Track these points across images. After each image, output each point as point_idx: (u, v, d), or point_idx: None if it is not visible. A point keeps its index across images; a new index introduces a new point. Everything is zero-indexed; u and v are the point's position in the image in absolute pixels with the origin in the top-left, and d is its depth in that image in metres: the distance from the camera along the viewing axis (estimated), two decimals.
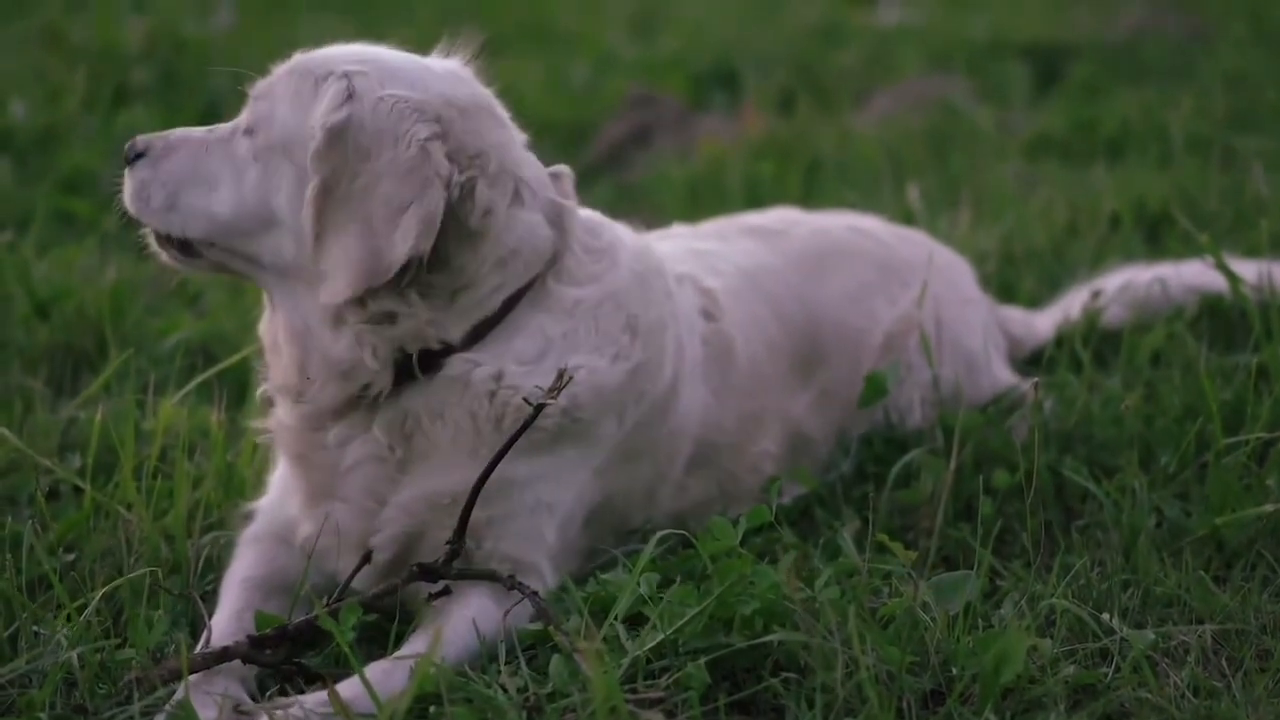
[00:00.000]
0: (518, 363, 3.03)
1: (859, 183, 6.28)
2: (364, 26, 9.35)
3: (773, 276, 3.72)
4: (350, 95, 2.93)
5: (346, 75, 2.96)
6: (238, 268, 3.12)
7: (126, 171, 3.12)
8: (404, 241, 2.87)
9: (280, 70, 3.08)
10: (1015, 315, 4.38)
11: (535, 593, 2.92)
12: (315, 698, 2.70)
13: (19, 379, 4.23)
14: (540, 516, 3.08)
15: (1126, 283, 4.43)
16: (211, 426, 3.56)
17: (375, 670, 2.72)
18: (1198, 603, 3.08)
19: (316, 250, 2.92)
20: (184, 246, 3.11)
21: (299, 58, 3.08)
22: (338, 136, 2.91)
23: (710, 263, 3.61)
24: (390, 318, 2.97)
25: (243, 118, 3.09)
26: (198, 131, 3.14)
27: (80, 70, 7.35)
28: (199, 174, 3.07)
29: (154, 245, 3.15)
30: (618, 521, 3.29)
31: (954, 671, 2.76)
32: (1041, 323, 4.40)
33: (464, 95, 3.04)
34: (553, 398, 2.90)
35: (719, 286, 3.52)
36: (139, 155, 3.11)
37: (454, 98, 3.01)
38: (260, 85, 3.09)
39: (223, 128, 3.11)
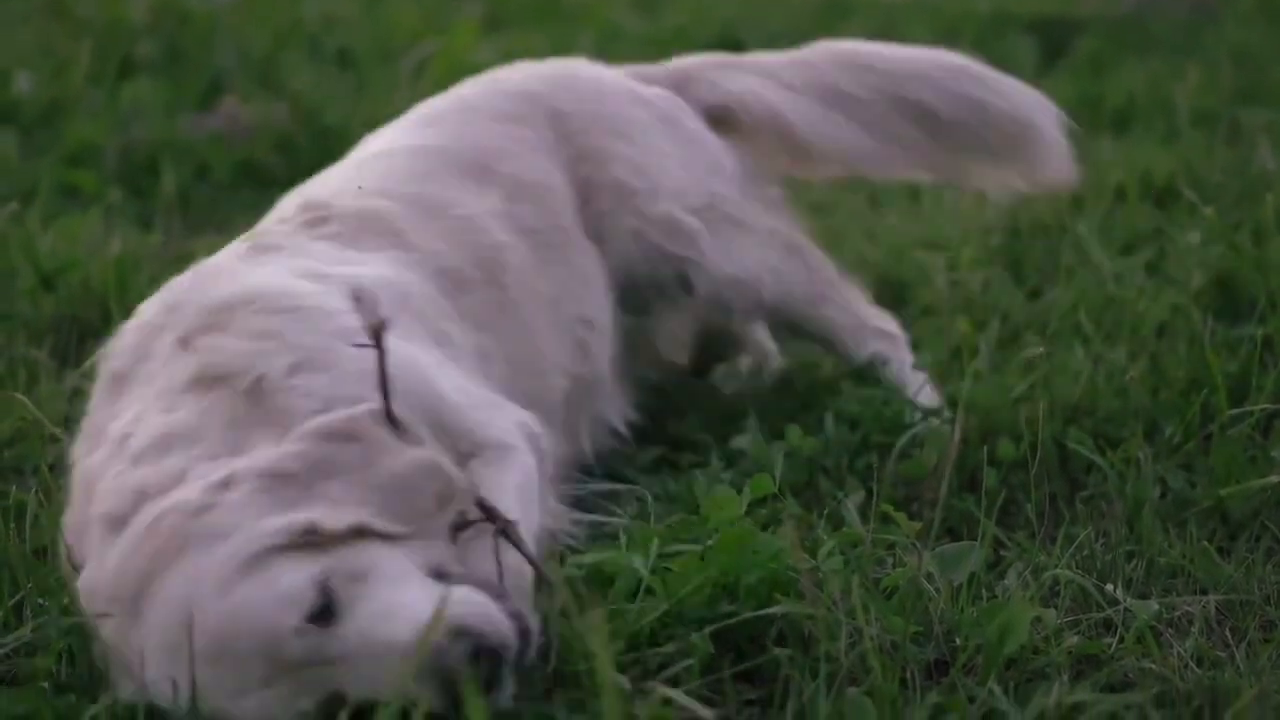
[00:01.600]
0: None
1: None
2: (369, 1, 9.33)
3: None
4: None
5: None
6: None
7: None
8: None
9: None
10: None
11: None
12: None
13: (24, 350, 4.23)
14: (435, 376, 2.97)
15: None
16: None
17: None
18: (1201, 573, 3.08)
19: None
20: None
21: None
22: None
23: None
24: None
25: None
26: None
27: (85, 43, 7.32)
28: None
29: None
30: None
31: (958, 642, 2.76)
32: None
33: None
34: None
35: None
36: None
37: None
38: None
39: None
